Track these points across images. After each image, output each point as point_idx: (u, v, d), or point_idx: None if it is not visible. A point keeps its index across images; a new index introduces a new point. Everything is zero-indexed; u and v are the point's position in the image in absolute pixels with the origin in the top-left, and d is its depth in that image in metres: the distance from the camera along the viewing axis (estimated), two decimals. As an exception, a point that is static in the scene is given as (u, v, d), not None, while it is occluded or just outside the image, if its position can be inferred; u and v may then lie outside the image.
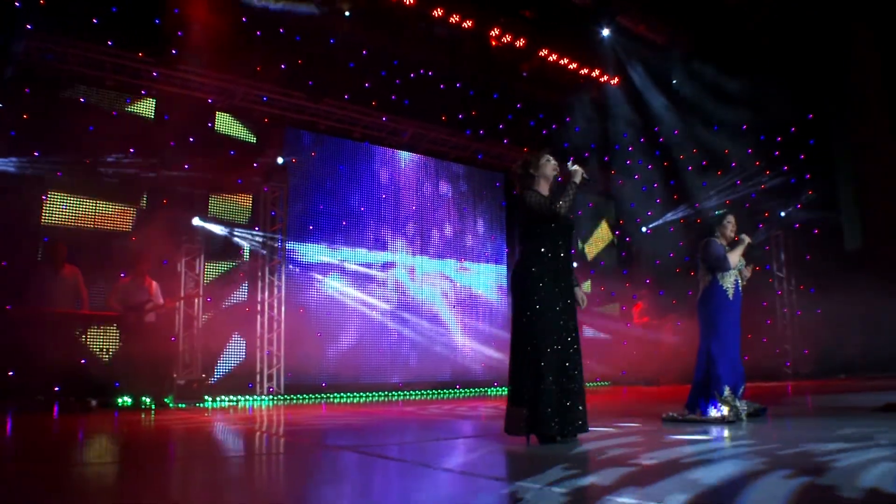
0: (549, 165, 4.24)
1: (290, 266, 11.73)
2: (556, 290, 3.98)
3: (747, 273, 5.67)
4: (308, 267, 11.98)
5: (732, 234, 5.68)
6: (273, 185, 11.71)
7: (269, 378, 11.32)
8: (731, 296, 5.39)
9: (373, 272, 12.65)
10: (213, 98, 11.16)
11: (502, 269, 14.33)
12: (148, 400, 8.96)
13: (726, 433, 4.53)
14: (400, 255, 13.04)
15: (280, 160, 11.67)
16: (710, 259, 5.46)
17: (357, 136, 12.67)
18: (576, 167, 4.32)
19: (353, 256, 12.46)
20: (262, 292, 11.44)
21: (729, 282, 5.42)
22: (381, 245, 12.79)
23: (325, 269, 12.15)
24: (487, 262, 14.19)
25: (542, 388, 3.86)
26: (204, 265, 10.85)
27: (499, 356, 13.03)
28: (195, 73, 10.79)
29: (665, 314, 13.82)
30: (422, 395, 11.94)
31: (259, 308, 11.40)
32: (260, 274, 11.45)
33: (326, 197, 12.29)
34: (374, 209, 12.90)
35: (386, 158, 13.25)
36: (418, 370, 12.59)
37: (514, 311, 4.03)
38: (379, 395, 11.75)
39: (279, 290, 11.54)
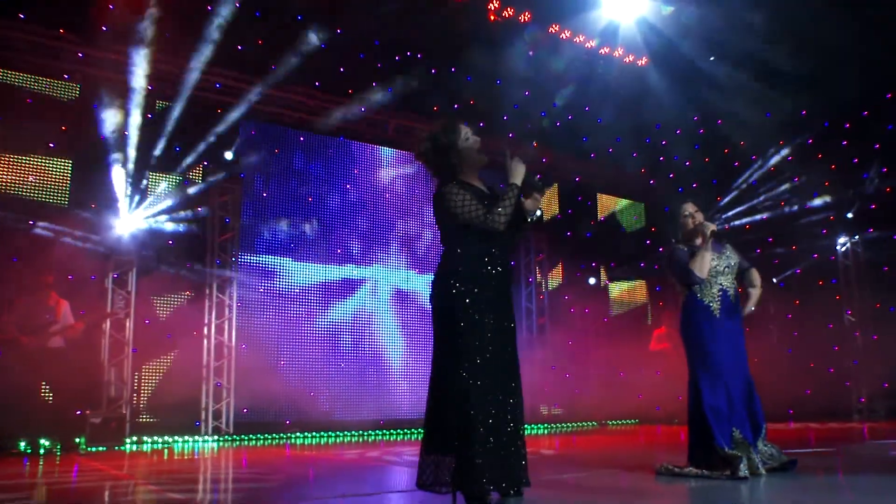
0: (471, 142, 3.96)
1: (245, 283, 11.43)
2: (488, 305, 3.73)
3: (755, 278, 5.18)
4: (267, 284, 11.68)
5: (693, 226, 5.14)
6: (223, 187, 11.37)
7: (217, 415, 10.97)
8: (716, 311, 4.95)
9: (346, 289, 12.36)
10: (154, 85, 10.80)
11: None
12: (48, 443, 8.56)
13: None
14: (383, 269, 12.75)
15: (228, 155, 11.32)
16: (674, 273, 5.11)
17: (329, 129, 12.26)
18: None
19: (325, 272, 12.18)
20: (210, 313, 11.13)
21: (710, 293, 4.99)
22: (359, 258, 12.52)
23: (287, 286, 11.86)
24: None
25: (470, 431, 3.55)
26: (137, 280, 10.45)
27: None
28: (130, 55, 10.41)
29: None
30: (406, 434, 11.61)
31: (206, 332, 11.08)
32: (208, 292, 11.14)
33: (291, 201, 12.04)
34: (350, 215, 12.63)
35: (365, 156, 12.96)
36: (404, 405, 12.31)
37: (434, 332, 3.81)
38: (354, 436, 11.37)
39: (230, 311, 11.25)
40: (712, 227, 5.01)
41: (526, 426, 3.85)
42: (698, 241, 5.07)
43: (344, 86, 12.12)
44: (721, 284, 5.02)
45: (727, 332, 4.96)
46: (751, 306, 5.12)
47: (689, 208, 5.20)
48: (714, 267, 5.01)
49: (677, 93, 13.43)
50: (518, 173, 3.86)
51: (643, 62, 13.95)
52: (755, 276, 5.24)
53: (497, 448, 3.59)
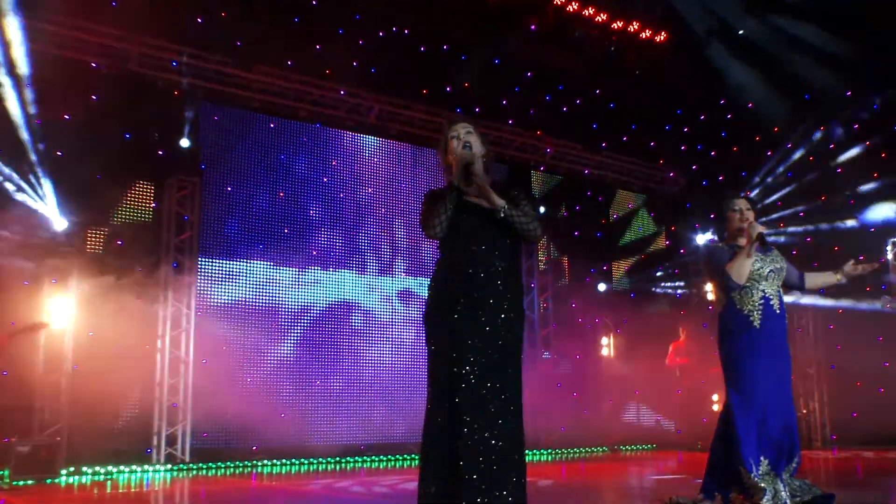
0: (451, 145, 3.96)
1: (206, 289, 11.15)
2: (453, 312, 3.78)
3: (815, 287, 5.30)
4: (231, 290, 11.38)
5: (741, 226, 5.10)
6: (182, 181, 10.94)
7: (172, 440, 10.50)
8: (756, 321, 4.92)
9: (324, 297, 12.11)
10: (100, 62, 10.39)
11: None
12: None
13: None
14: (362, 274, 12.52)
15: (185, 142, 10.91)
16: (712, 273, 5.19)
17: (304, 114, 12.03)
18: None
19: (297, 277, 11.91)
20: (164, 324, 10.68)
21: (751, 301, 4.98)
22: (337, 261, 12.28)
23: (255, 293, 11.56)
24: None
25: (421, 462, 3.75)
26: (80, 286, 9.87)
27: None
28: (70, 26, 10.00)
29: (712, 354, 12.78)
30: (391, 461, 11.45)
31: (159, 345, 10.64)
32: (162, 299, 10.67)
33: (260, 197, 11.76)
34: (328, 213, 12.39)
35: (343, 144, 12.68)
36: (390, 428, 12.06)
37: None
38: (331, 463, 11.21)
39: (188, 322, 10.82)
40: (762, 228, 4.95)
41: (526, 452, 3.84)
42: (742, 241, 5.06)
43: (320, 66, 11.85)
44: (763, 291, 4.99)
45: (767, 346, 4.92)
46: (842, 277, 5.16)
47: (741, 204, 5.15)
48: (757, 270, 5.00)
49: (702, 72, 13.44)
50: (458, 168, 3.82)
51: (662, 38, 13.86)
52: (817, 276, 5.26)
53: (453, 482, 3.60)
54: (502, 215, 3.79)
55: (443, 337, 3.81)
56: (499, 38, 12.69)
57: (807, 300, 12.47)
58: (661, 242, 15.59)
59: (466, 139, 3.90)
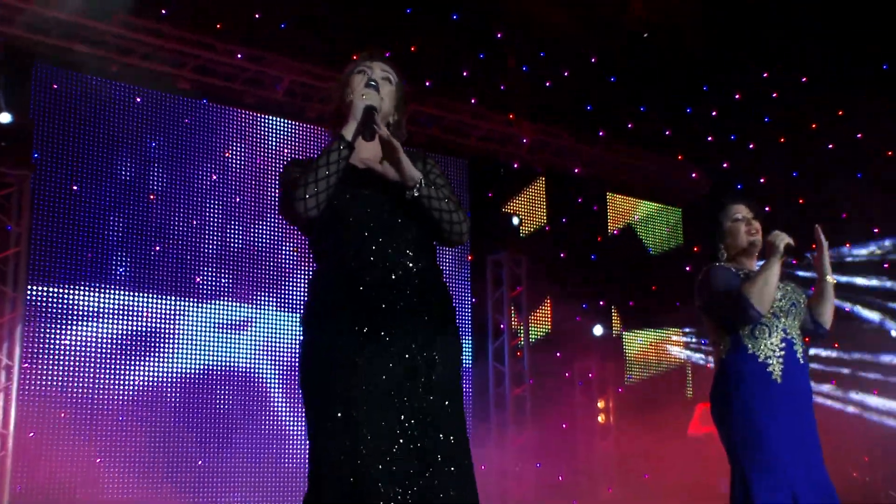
0: (353, 81, 3.85)
1: (37, 330, 10.76)
2: (353, 346, 3.58)
3: (827, 315, 5.23)
4: (75, 332, 10.92)
5: (752, 240, 5.16)
6: (2, 175, 10.44)
7: None
8: (777, 373, 4.95)
9: (212, 335, 11.82)
10: None
11: (463, 340, 13.26)
12: None
13: None
14: (265, 305, 12.17)
15: (5, 117, 10.39)
16: (713, 305, 5.12)
17: (185, 86, 11.58)
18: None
19: (172, 312, 11.57)
20: None
21: (768, 344, 4.99)
22: (229, 289, 11.92)
23: (110, 334, 11.12)
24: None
25: None
26: None
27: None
28: None
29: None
30: None
31: None
32: None
33: (120, 200, 11.33)
34: (218, 223, 11.96)
35: (241, 127, 12.26)
36: (270, 489, 12.02)
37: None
38: None
39: (8, 378, 10.28)
40: (787, 239, 4.88)
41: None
42: (749, 262, 5.11)
43: (209, 20, 11.48)
44: (785, 331, 4.98)
45: (791, 406, 4.93)
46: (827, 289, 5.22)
47: (742, 211, 5.16)
48: (775, 303, 4.95)
49: (734, 33, 13.30)
50: (353, 114, 3.66)
51: None
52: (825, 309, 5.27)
53: None
54: (416, 194, 3.60)
55: (339, 384, 3.56)
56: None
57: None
58: (680, 267, 15.46)
59: (376, 80, 3.75)
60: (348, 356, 3.53)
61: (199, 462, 11.63)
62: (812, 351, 10.93)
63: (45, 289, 10.76)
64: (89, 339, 11.04)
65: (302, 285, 12.49)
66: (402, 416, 3.54)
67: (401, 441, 3.52)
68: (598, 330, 14.48)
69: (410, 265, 3.64)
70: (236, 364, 12.18)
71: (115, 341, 11.18)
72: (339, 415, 3.51)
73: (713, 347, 5.28)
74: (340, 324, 3.61)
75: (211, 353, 11.98)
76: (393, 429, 3.51)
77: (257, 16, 11.61)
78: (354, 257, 3.65)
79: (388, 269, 3.62)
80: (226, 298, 11.95)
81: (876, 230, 13.78)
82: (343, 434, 3.49)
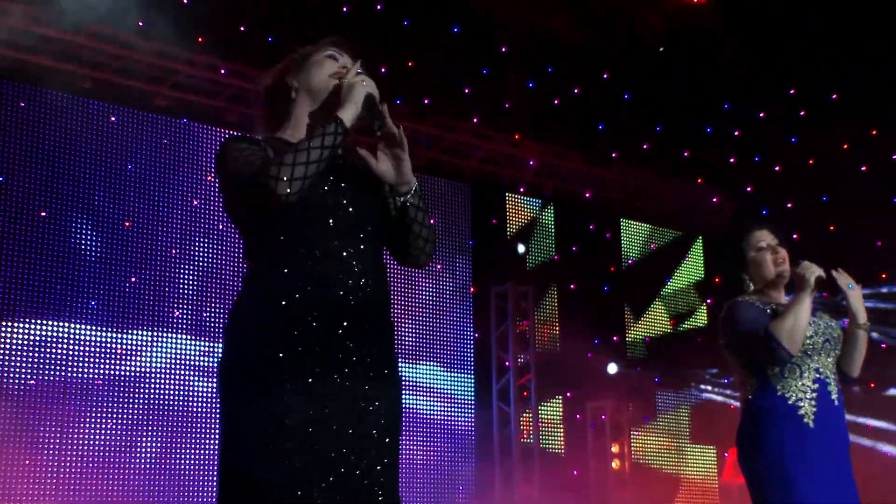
0: (326, 64, 3.70)
1: None
2: (307, 370, 3.39)
3: (854, 365, 5.15)
4: (37, 360, 10.89)
5: (780, 270, 5.10)
6: None
7: None
8: (809, 417, 4.88)
9: (173, 366, 11.67)
10: None
11: (465, 378, 13.76)
12: None
13: None
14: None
15: None
16: (739, 343, 5.05)
17: (163, 103, 11.48)
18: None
19: (150, 348, 11.44)
20: None
21: (798, 386, 4.93)
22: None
23: (82, 374, 11.06)
24: (427, 360, 13.73)
25: None
26: None
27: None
28: None
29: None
30: None
31: None
32: None
33: (92, 227, 11.24)
34: (195, 250, 11.90)
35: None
36: None
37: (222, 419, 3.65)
38: None
39: None
40: (819, 271, 4.85)
41: None
42: (776, 294, 5.07)
43: (188, 33, 11.26)
44: (817, 371, 4.93)
45: (825, 452, 4.87)
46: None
47: (766, 238, 5.08)
48: (807, 341, 4.85)
49: (758, 46, 13.31)
50: (352, 98, 3.49)
51: None
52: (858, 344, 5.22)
53: None
54: (410, 201, 3.55)
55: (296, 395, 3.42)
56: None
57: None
58: (700, 300, 15.69)
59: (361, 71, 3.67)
60: (289, 383, 3.37)
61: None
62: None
63: (9, 324, 10.64)
64: (57, 378, 10.92)
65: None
66: (354, 458, 3.41)
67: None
68: (612, 368, 14.39)
69: (371, 282, 3.51)
70: (217, 405, 11.84)
71: (86, 381, 11.06)
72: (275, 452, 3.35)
73: (739, 387, 5.19)
74: (285, 343, 3.40)
75: (188, 393, 11.84)
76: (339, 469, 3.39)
77: (242, 28, 11.53)
78: (316, 259, 3.48)
79: (353, 281, 3.49)
80: (207, 334, 11.83)
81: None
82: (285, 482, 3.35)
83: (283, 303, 3.42)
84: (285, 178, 3.28)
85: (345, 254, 3.48)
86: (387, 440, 3.49)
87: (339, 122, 3.37)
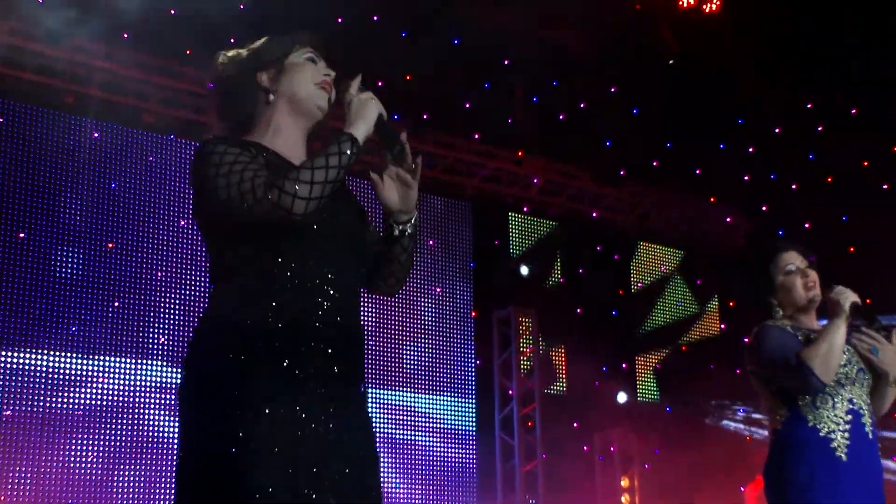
0: (308, 69, 3.64)
1: None
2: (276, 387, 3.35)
3: (880, 410, 5.15)
4: (15, 390, 11.04)
5: (811, 295, 5.08)
6: None
7: None
8: (842, 450, 4.88)
9: (160, 394, 11.68)
10: None
11: (466, 407, 13.80)
12: None
13: None
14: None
15: None
16: (768, 371, 5.06)
17: (150, 119, 11.71)
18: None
19: (135, 378, 11.52)
20: None
21: (831, 417, 4.93)
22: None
23: (55, 392, 11.12)
24: (426, 388, 13.77)
25: None
26: None
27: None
28: None
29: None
30: None
31: None
32: None
33: (73, 249, 11.32)
34: (182, 274, 12.01)
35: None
36: None
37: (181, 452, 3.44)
38: None
39: None
40: (854, 297, 4.85)
41: None
42: (806, 319, 5.05)
43: (176, 45, 11.34)
44: (851, 402, 4.90)
45: (858, 486, 4.85)
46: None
47: (795, 260, 5.11)
48: (840, 370, 4.83)
49: (773, 59, 13.39)
50: (364, 116, 3.43)
51: (715, 6, 13.80)
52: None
53: None
54: (409, 231, 3.59)
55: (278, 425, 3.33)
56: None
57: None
58: (714, 325, 15.61)
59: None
60: (269, 417, 3.26)
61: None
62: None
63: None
64: (35, 408, 10.93)
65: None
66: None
67: None
68: (621, 397, 14.44)
69: (352, 314, 3.52)
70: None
71: (66, 411, 11.05)
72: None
73: (768, 417, 5.21)
74: (267, 371, 3.31)
75: (174, 423, 11.13)
76: None
77: (233, 40, 11.23)
78: (306, 286, 3.43)
79: (340, 310, 3.46)
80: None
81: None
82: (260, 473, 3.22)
83: (260, 323, 3.36)
84: (303, 196, 3.23)
85: (330, 276, 3.44)
86: (366, 481, 3.44)
87: (354, 141, 3.32)
